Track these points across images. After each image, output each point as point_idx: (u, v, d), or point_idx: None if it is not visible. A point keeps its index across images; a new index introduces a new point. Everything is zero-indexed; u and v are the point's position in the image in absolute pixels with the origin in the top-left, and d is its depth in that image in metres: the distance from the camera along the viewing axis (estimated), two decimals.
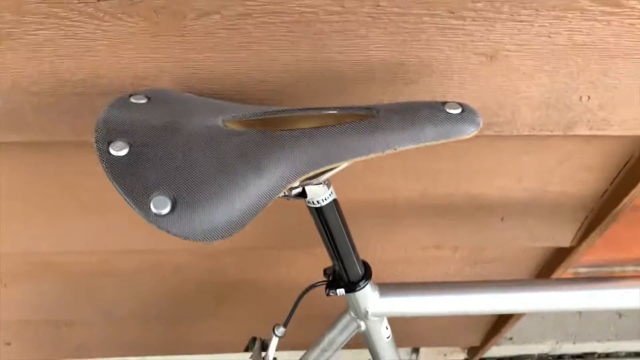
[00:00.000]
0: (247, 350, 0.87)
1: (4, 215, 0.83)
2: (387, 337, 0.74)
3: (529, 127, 0.66)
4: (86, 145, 0.69)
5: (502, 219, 0.87)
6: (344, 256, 0.62)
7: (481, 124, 0.49)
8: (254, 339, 0.86)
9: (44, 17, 0.53)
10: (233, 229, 0.47)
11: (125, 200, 0.44)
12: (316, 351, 0.77)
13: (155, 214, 0.43)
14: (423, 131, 0.49)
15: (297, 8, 0.53)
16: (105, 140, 0.47)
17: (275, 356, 0.76)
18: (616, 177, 0.79)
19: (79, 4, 0.52)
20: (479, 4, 0.53)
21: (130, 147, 0.46)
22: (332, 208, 0.57)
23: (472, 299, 0.69)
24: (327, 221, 0.58)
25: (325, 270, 0.69)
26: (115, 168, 0.45)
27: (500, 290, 0.69)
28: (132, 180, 0.45)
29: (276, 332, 0.75)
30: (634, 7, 0.53)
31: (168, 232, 0.44)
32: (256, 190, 0.47)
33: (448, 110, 0.50)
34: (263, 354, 0.80)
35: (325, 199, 0.56)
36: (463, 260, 1.00)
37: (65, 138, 0.65)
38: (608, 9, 0.53)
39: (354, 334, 0.73)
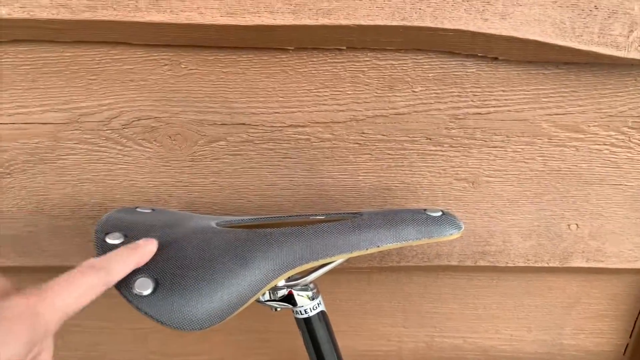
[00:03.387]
0: None
1: None
2: None
3: (523, 258, 0.66)
4: None
5: None
6: None
7: (463, 228, 0.51)
8: None
9: (75, 143, 0.61)
10: (212, 319, 0.46)
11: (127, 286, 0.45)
12: None
13: (136, 294, 0.44)
14: (405, 230, 0.51)
15: (293, 135, 0.60)
16: (103, 231, 0.50)
17: None
18: (634, 328, 0.75)
19: (107, 131, 0.61)
20: (453, 131, 0.59)
21: (125, 238, 0.49)
22: (321, 320, 0.55)
23: None
24: (315, 335, 0.56)
25: None
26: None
27: None
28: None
29: None
30: (596, 133, 0.59)
31: (146, 314, 0.44)
32: (239, 282, 0.48)
33: (429, 213, 0.52)
34: None
35: (314, 309, 0.55)
36: None
37: (76, 262, 0.68)
38: (573, 134, 0.59)
39: None
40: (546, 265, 0.66)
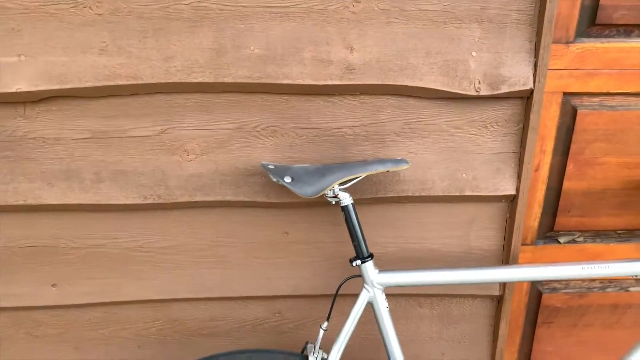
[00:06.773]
0: (303, 351, 1.41)
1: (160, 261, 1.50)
2: (386, 307, 1.32)
3: (442, 191, 1.41)
4: (238, 210, 1.44)
5: None
6: (358, 240, 1.29)
7: (410, 163, 1.27)
8: (307, 343, 1.41)
9: (239, 138, 1.37)
10: (314, 194, 1.21)
11: (274, 178, 1.21)
12: (348, 324, 1.33)
13: (286, 181, 1.20)
14: (386, 164, 1.27)
15: (335, 132, 1.37)
16: (266, 164, 1.26)
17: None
18: (505, 234, 1.48)
19: (253, 132, 1.36)
20: (406, 130, 1.37)
21: (275, 167, 1.25)
22: (351, 208, 1.29)
23: (448, 274, 1.30)
24: (349, 215, 1.29)
25: (350, 259, 1.33)
26: (271, 170, 1.23)
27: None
28: (278, 173, 1.22)
29: (322, 327, 1.34)
30: (467, 129, 1.37)
31: (292, 189, 1.19)
32: (323, 181, 1.23)
33: (396, 158, 1.29)
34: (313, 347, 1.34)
35: (349, 200, 1.28)
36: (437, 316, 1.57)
37: (229, 198, 1.41)
38: (458, 130, 1.37)
39: (366, 301, 1.31)
40: (453, 194, 1.41)
